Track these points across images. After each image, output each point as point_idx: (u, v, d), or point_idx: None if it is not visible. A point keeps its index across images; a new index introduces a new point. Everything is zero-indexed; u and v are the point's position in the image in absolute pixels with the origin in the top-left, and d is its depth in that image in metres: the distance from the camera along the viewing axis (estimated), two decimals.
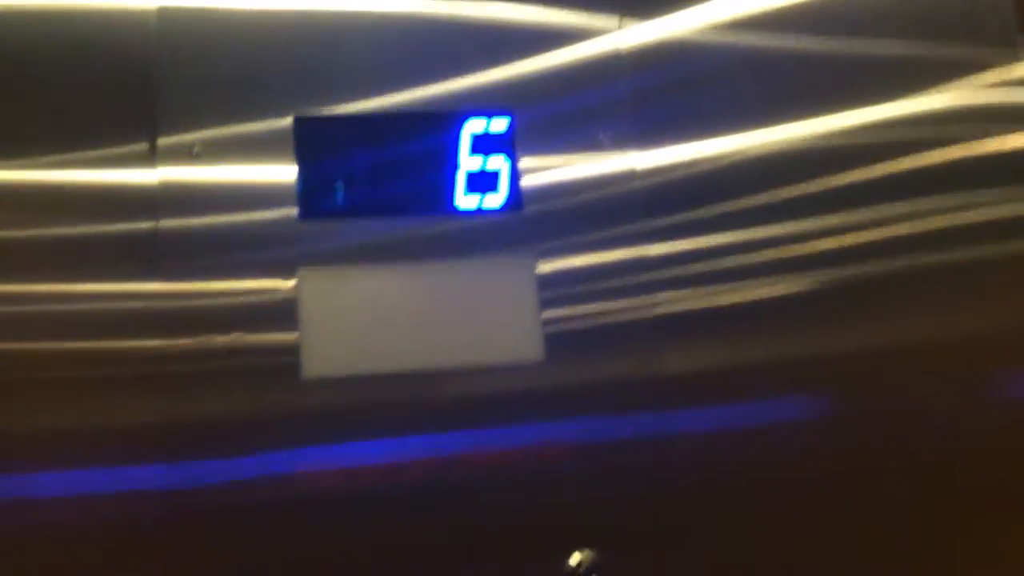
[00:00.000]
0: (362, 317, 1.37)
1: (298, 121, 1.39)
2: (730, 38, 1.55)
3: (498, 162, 1.45)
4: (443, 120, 1.44)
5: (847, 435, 1.47)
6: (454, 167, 1.44)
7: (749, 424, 1.45)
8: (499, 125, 1.45)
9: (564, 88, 1.48)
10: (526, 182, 1.45)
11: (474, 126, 1.45)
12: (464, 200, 1.43)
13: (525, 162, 1.46)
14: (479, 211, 1.43)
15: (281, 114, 1.39)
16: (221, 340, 1.31)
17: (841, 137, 1.54)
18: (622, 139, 1.48)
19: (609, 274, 1.44)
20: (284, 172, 1.38)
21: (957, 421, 1.50)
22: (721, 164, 1.50)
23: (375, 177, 1.42)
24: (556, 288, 1.43)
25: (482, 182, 1.44)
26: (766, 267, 1.48)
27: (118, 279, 1.30)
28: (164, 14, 1.38)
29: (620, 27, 1.51)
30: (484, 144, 1.45)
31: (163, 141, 1.35)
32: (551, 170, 1.46)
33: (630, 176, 1.47)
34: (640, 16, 1.52)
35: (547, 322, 1.41)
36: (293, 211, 1.37)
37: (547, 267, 1.43)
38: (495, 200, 1.44)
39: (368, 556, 1.32)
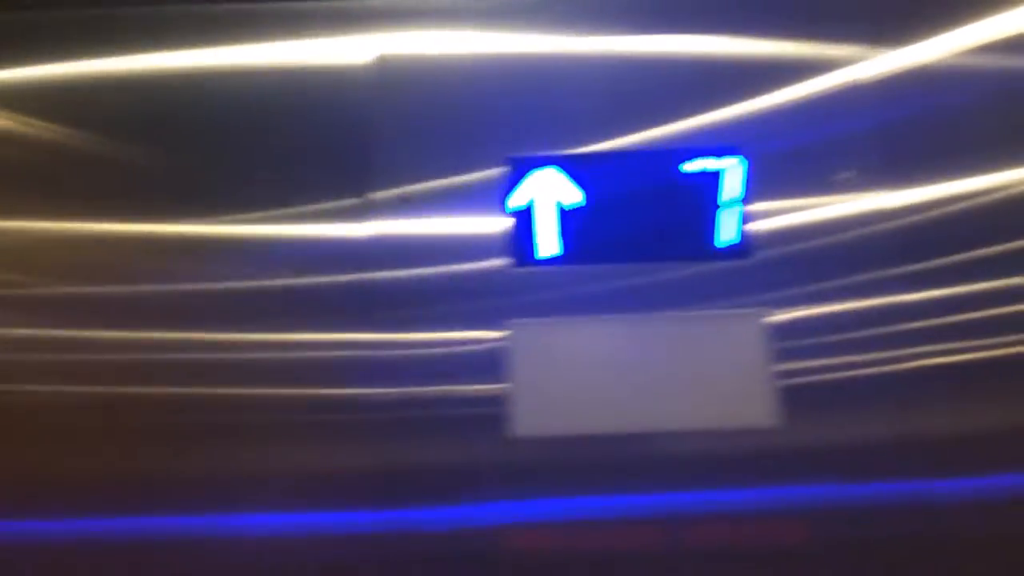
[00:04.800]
0: (575, 372, 1.27)
1: (513, 162, 1.33)
2: (987, 62, 1.35)
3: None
4: (663, 159, 1.33)
5: None
6: (712, 206, 1.32)
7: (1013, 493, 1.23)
8: (726, 163, 1.33)
9: (801, 123, 1.34)
10: (758, 226, 1.32)
11: (696, 166, 1.33)
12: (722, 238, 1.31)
13: (757, 206, 1.33)
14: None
15: (491, 161, 1.33)
16: (428, 390, 1.26)
17: None
18: (867, 177, 1.32)
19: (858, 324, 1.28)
20: (496, 222, 1.33)
21: None
22: (981, 203, 1.31)
23: (598, 219, 1.33)
24: (792, 340, 1.28)
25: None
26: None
27: (330, 329, 1.29)
28: (383, 63, 1.36)
29: (864, 57, 1.35)
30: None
31: (377, 194, 1.32)
32: (785, 213, 1.32)
33: (877, 217, 1.31)
34: (889, 44, 1.36)
35: (783, 375, 1.26)
36: (505, 260, 1.31)
37: (783, 317, 1.28)
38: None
39: None
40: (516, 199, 1.33)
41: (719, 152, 1.33)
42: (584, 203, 1.33)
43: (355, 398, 1.26)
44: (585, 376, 1.27)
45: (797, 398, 1.25)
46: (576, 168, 1.33)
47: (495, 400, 1.26)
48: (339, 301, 1.29)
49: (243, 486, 1.25)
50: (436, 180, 1.33)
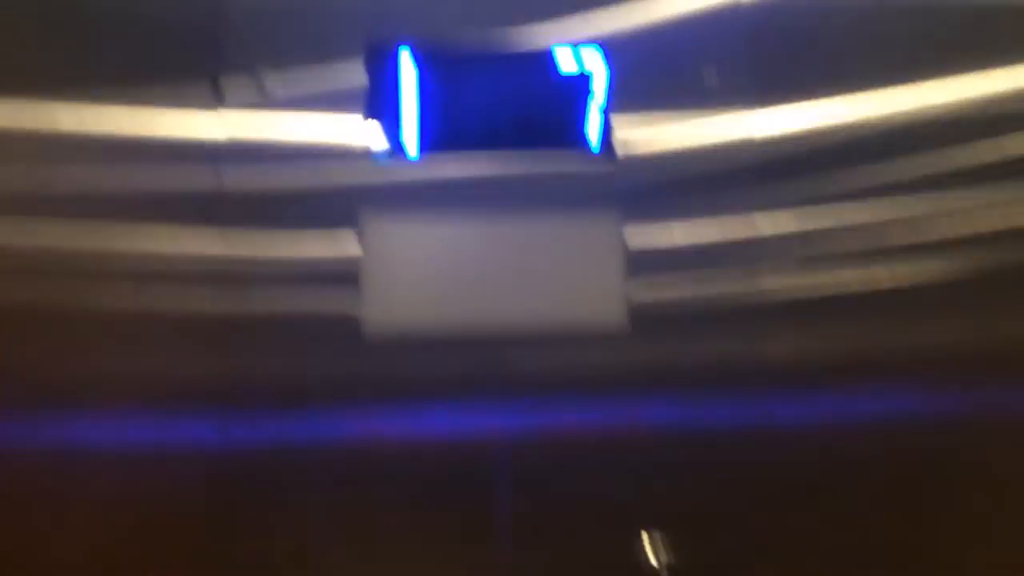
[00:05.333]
0: (429, 271, 1.25)
1: (371, 48, 1.26)
2: None
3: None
4: (532, 56, 1.29)
5: (959, 433, 1.28)
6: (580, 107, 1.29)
7: (855, 418, 1.28)
8: (595, 66, 1.29)
9: (669, 32, 1.29)
10: (620, 136, 1.29)
11: (567, 65, 1.29)
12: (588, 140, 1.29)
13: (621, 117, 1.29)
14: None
15: (352, 48, 1.27)
16: (279, 296, 1.23)
17: (999, 103, 1.30)
18: (735, 94, 1.29)
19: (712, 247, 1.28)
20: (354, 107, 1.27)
21: None
22: (852, 130, 1.30)
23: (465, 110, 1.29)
24: (648, 258, 1.27)
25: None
26: (897, 249, 1.29)
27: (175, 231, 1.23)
28: None
29: None
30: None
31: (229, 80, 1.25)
32: (651, 125, 1.29)
33: (744, 141, 1.29)
34: None
35: (636, 292, 1.27)
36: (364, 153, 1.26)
37: (639, 235, 1.27)
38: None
39: (408, 523, 1.24)
40: (376, 88, 1.27)
41: (586, 53, 1.29)
42: (447, 92, 1.28)
43: (202, 304, 1.22)
44: (439, 275, 1.25)
45: (648, 312, 1.26)
46: (440, 55, 1.28)
47: (350, 304, 1.24)
48: (184, 200, 1.23)
49: (80, 393, 1.21)
50: (293, 65, 1.26)
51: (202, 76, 1.25)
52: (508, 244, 1.26)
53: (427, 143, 1.28)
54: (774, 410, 1.26)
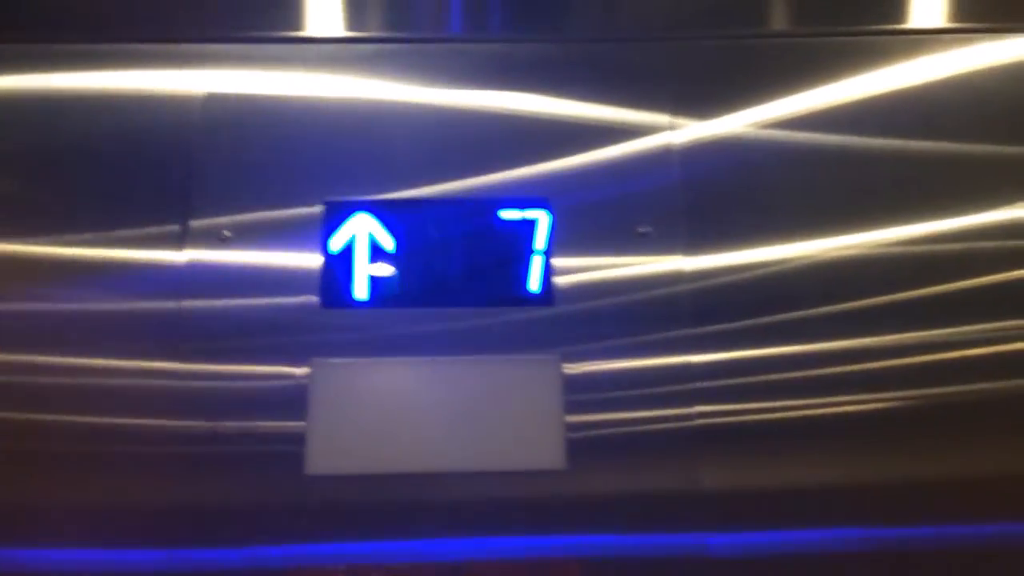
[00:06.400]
0: (373, 412, 1.31)
1: (329, 206, 1.37)
2: (792, 136, 1.42)
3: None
4: (476, 208, 1.39)
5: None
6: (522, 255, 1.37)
7: (786, 550, 1.29)
8: (534, 215, 1.38)
9: (607, 180, 1.39)
10: (560, 279, 1.37)
11: (511, 215, 1.38)
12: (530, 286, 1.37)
13: (560, 260, 1.38)
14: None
15: (311, 202, 1.37)
16: (231, 425, 1.30)
17: (915, 245, 1.37)
18: (668, 237, 1.38)
19: (647, 382, 1.33)
20: (311, 259, 1.36)
21: None
22: (780, 270, 1.37)
23: (412, 264, 1.38)
24: (585, 392, 1.33)
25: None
26: (823, 384, 1.33)
27: (133, 357, 1.31)
28: (210, 101, 1.40)
29: (672, 127, 1.42)
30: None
31: (195, 224, 1.36)
32: (588, 269, 1.37)
33: (676, 279, 1.37)
34: (693, 115, 1.42)
35: (573, 427, 1.32)
36: (316, 300, 1.35)
37: (576, 369, 1.33)
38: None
39: None
40: (333, 242, 1.37)
41: (530, 203, 1.39)
42: (396, 249, 1.38)
43: (158, 429, 1.29)
44: (382, 416, 1.31)
45: (586, 448, 1.31)
46: (390, 214, 1.38)
47: (295, 438, 1.30)
48: (147, 329, 1.32)
49: (29, 518, 1.26)
50: (255, 215, 1.37)
51: (171, 220, 1.35)
52: (451, 386, 1.32)
53: (377, 295, 1.36)
54: (708, 541, 1.29)
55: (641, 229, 1.37)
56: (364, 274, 1.36)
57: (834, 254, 1.37)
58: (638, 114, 1.42)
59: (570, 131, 1.41)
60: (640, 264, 1.36)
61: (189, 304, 1.33)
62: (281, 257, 1.36)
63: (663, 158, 1.40)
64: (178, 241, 1.35)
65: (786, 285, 1.36)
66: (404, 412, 1.31)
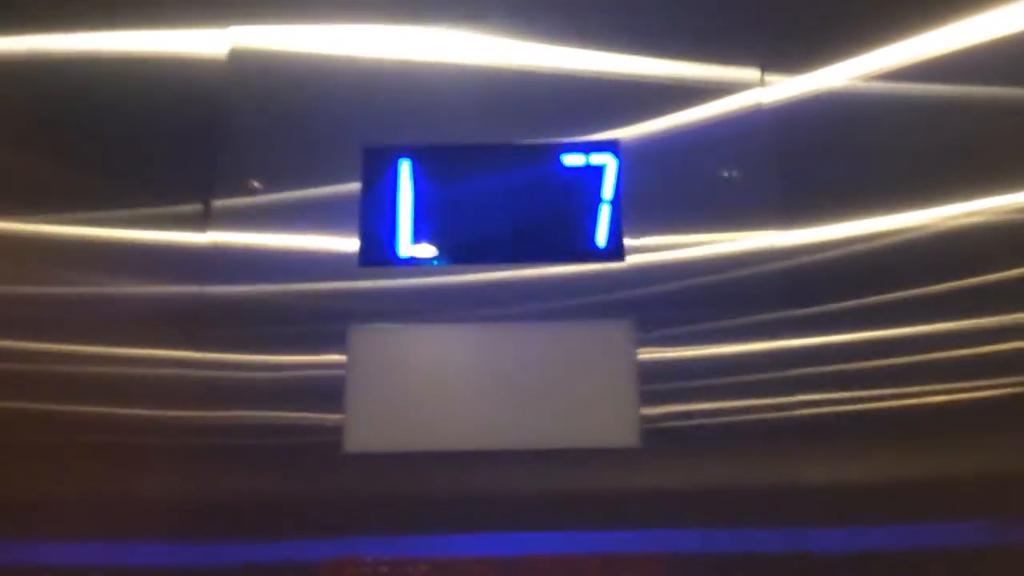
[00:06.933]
0: (418, 384, 1.14)
1: (369, 153, 1.22)
2: (900, 88, 1.21)
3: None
4: (536, 153, 1.21)
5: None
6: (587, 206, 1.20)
7: (900, 547, 1.09)
8: (601, 160, 1.21)
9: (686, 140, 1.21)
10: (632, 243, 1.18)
11: (573, 160, 1.21)
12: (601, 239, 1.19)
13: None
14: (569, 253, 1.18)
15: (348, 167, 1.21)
16: (258, 414, 1.14)
17: None
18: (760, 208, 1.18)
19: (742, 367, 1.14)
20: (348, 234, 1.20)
21: None
22: (886, 244, 1.17)
23: (462, 217, 1.21)
24: (667, 380, 1.14)
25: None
26: (936, 370, 1.12)
27: (156, 345, 1.16)
28: (236, 56, 1.26)
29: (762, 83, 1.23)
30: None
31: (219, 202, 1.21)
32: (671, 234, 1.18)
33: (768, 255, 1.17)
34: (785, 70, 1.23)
35: (648, 397, 1.12)
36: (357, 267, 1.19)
37: (653, 354, 1.14)
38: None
39: None
40: (373, 193, 1.21)
41: (596, 147, 1.21)
42: (445, 200, 1.21)
43: (179, 420, 1.14)
44: (427, 388, 1.14)
45: (661, 437, 1.12)
46: (438, 161, 1.22)
47: (335, 429, 1.13)
48: (171, 314, 1.17)
49: (46, 511, 1.12)
50: (286, 186, 1.21)
51: (195, 191, 1.21)
52: (507, 353, 1.15)
53: (423, 252, 1.20)
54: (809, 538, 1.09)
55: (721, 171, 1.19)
56: (408, 228, 1.20)
57: (949, 224, 1.16)
58: (724, 71, 1.23)
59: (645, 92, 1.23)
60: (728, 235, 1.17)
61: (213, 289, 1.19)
62: (317, 208, 1.20)
63: (750, 118, 1.21)
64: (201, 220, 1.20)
65: (892, 255, 1.16)
66: (453, 383, 1.14)
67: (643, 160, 1.20)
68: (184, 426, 1.13)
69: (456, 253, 1.19)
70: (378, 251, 1.19)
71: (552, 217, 1.20)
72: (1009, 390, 1.12)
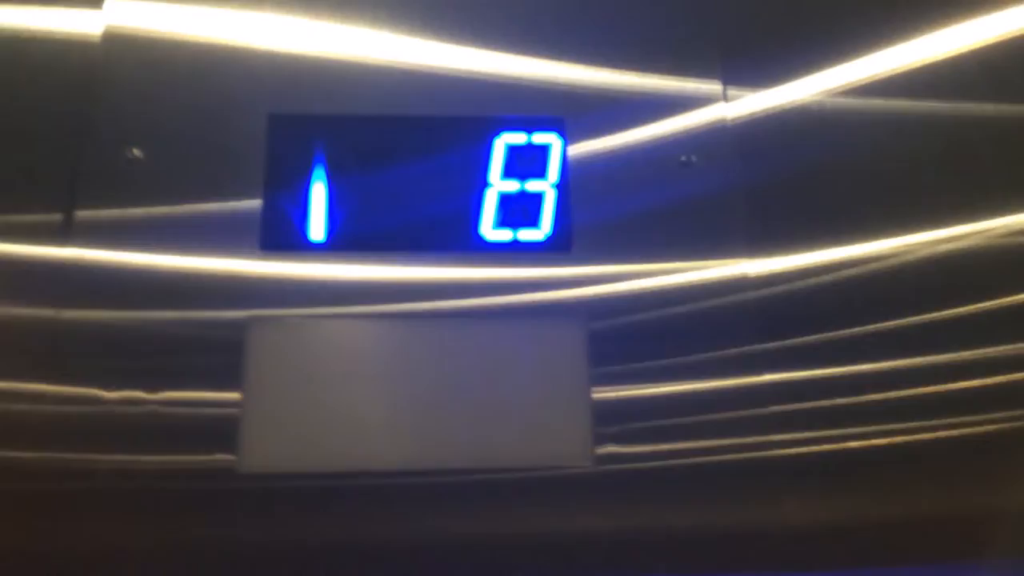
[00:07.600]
0: (324, 383, 0.94)
1: (274, 120, 1.03)
2: (873, 103, 1.12)
3: (541, 186, 1.05)
4: (469, 129, 1.06)
5: None
6: (481, 188, 1.04)
7: None
8: (545, 139, 1.06)
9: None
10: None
11: (510, 139, 1.06)
12: (493, 232, 1.03)
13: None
14: (511, 244, 1.02)
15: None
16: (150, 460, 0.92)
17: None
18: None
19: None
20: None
21: None
22: (861, 272, 1.06)
23: (368, 200, 1.03)
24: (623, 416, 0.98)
25: (517, 211, 1.04)
26: (915, 407, 1.01)
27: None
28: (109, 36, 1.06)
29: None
30: (522, 164, 1.05)
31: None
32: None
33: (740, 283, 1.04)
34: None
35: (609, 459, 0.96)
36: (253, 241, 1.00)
37: (606, 394, 0.98)
38: (534, 235, 1.03)
39: None
40: (275, 170, 1.02)
41: (540, 124, 1.06)
42: (364, 177, 1.03)
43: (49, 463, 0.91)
44: (335, 388, 0.94)
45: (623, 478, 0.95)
46: (354, 133, 1.04)
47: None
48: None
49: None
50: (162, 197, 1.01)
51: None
52: (437, 350, 0.96)
53: (335, 235, 1.02)
54: None
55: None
56: (319, 210, 1.02)
57: (926, 250, 1.07)
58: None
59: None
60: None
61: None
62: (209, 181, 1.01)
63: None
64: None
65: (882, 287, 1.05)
66: (366, 384, 0.95)
67: (597, 177, 1.06)
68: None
69: (375, 239, 1.01)
70: (280, 235, 1.00)
71: (485, 201, 1.04)
72: (991, 427, 1.01)
